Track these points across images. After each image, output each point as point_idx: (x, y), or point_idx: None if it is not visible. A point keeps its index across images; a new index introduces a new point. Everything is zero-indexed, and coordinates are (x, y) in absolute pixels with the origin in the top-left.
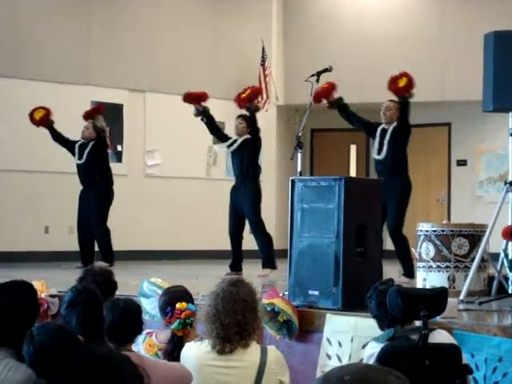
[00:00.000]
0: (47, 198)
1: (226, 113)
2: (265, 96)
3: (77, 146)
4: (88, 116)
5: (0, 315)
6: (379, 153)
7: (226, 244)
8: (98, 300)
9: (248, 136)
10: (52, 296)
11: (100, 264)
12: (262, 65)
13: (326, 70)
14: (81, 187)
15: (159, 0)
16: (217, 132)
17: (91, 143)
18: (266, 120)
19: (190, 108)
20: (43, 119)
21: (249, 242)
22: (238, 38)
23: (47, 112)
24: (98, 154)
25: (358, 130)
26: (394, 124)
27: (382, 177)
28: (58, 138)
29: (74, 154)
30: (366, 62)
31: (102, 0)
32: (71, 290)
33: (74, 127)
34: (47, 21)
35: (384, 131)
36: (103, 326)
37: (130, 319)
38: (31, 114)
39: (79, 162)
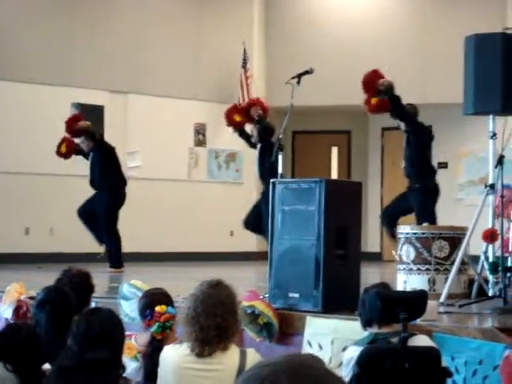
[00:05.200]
0: (28, 200)
1: (208, 114)
2: (246, 98)
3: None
4: (74, 132)
5: None
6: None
7: (207, 246)
8: (68, 299)
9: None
10: (31, 298)
11: (111, 270)
12: (244, 67)
13: (307, 72)
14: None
15: (142, 2)
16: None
17: (91, 154)
18: None
19: (171, 110)
20: (70, 150)
21: (234, 243)
22: (220, 41)
23: (69, 143)
24: (99, 162)
25: None
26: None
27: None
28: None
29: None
30: (346, 65)
31: (85, 1)
32: (42, 290)
33: (55, 128)
34: (29, 22)
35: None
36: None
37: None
38: (58, 153)
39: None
